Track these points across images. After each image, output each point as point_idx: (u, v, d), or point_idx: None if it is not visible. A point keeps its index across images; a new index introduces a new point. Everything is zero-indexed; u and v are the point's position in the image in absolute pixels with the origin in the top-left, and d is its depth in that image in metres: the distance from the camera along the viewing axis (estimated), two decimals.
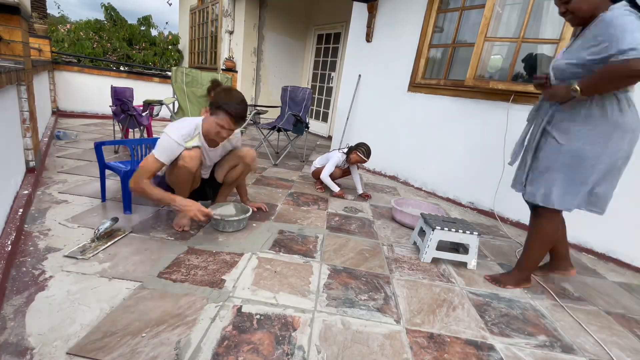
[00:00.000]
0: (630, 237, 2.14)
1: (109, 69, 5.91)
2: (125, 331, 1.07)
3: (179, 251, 1.61)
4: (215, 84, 3.11)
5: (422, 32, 3.24)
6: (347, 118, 4.13)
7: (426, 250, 1.84)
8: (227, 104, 1.62)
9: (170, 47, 9.43)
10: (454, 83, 3.03)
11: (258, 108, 4.10)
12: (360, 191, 2.90)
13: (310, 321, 1.24)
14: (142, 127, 3.60)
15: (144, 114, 3.44)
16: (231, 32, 6.45)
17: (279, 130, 3.88)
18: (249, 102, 6.29)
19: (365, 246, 1.95)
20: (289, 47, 6.80)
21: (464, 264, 1.86)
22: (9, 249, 1.30)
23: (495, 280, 1.71)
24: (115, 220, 1.68)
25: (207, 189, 2.03)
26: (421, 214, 2.01)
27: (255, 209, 2.17)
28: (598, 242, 2.27)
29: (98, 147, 1.99)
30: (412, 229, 2.31)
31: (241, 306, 1.27)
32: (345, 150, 2.85)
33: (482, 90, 2.77)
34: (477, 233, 1.80)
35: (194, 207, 1.63)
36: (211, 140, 1.77)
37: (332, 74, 6.07)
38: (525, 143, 1.61)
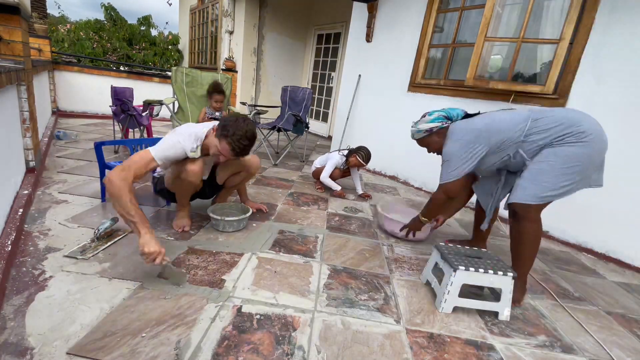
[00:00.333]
0: (630, 237, 2.14)
1: (109, 69, 5.92)
2: (125, 331, 1.07)
3: (179, 251, 1.61)
4: (216, 86, 3.12)
5: (422, 32, 3.24)
6: (347, 118, 4.13)
7: (445, 298, 1.40)
8: (233, 137, 1.51)
9: (170, 47, 9.44)
10: (454, 83, 3.03)
11: (258, 108, 4.10)
12: (360, 191, 2.91)
13: (310, 321, 1.24)
14: (142, 127, 3.60)
15: (144, 114, 3.44)
16: (231, 32, 6.45)
17: (279, 130, 3.88)
18: (249, 102, 6.31)
19: (365, 246, 1.95)
20: (289, 47, 6.80)
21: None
22: (9, 249, 1.30)
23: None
24: (115, 220, 1.68)
25: (206, 189, 2.03)
26: (435, 246, 1.58)
27: (255, 210, 2.17)
28: (598, 242, 2.27)
29: (98, 147, 1.99)
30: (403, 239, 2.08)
31: (241, 306, 1.27)
32: (345, 152, 2.85)
33: (482, 90, 2.77)
34: (512, 274, 1.38)
35: (156, 253, 1.26)
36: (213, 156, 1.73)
37: (332, 74, 6.07)
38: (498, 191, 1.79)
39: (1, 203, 1.48)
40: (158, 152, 1.49)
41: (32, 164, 2.18)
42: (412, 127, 1.78)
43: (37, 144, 2.34)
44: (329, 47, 6.16)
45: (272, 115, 5.12)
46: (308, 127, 4.02)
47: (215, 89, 3.08)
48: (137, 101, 3.68)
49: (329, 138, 5.95)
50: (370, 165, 3.92)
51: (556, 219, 2.37)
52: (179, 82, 3.28)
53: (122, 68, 7.02)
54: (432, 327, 1.31)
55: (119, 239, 1.63)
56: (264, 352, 1.06)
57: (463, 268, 1.37)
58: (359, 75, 3.97)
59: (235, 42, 6.40)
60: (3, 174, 1.55)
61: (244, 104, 4.64)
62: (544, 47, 2.51)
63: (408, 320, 1.33)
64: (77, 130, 4.16)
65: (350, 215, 2.43)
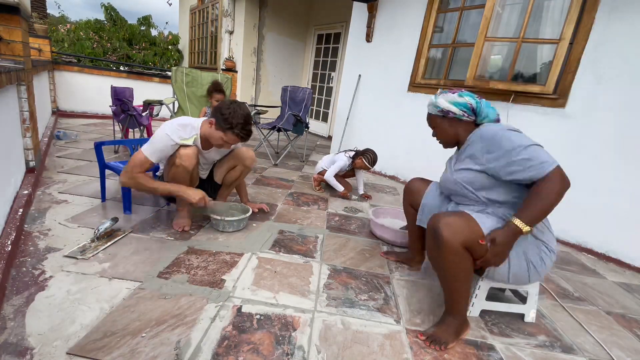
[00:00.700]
0: (630, 237, 2.14)
1: (109, 69, 5.92)
2: (125, 331, 1.07)
3: (179, 251, 1.61)
4: (216, 86, 3.12)
5: (422, 32, 3.24)
6: (347, 118, 4.13)
7: (472, 301, 1.39)
8: (237, 127, 1.60)
9: (170, 47, 9.44)
10: (454, 83, 3.03)
11: (258, 108, 4.10)
12: (361, 191, 2.91)
13: (310, 321, 1.24)
14: (142, 127, 3.60)
15: (144, 114, 3.45)
16: (231, 32, 6.45)
17: (279, 130, 3.88)
18: (249, 102, 6.31)
19: (365, 246, 1.95)
20: (289, 47, 6.80)
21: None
22: (9, 249, 1.30)
23: (433, 339, 1.21)
24: (115, 220, 1.68)
25: (206, 189, 2.03)
26: None
27: (256, 210, 2.17)
28: (598, 242, 2.27)
29: (98, 147, 1.99)
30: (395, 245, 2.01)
31: (241, 306, 1.27)
32: (352, 154, 2.85)
33: (482, 90, 2.77)
34: None
35: (200, 199, 1.69)
36: (206, 142, 1.76)
37: (332, 74, 6.07)
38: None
39: (1, 203, 1.48)
40: (148, 149, 1.58)
41: (32, 164, 2.18)
42: (434, 97, 1.39)
43: (37, 144, 2.34)
44: (329, 47, 6.17)
45: (272, 115, 5.12)
46: (308, 127, 4.02)
47: (216, 88, 3.09)
48: (137, 101, 3.68)
49: (329, 138, 5.95)
50: None
51: (556, 219, 2.36)
52: (179, 82, 3.28)
53: (122, 68, 7.02)
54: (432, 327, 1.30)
55: (119, 239, 1.63)
56: (264, 352, 1.06)
57: None
58: (359, 75, 3.97)
59: (235, 42, 6.40)
60: (3, 174, 1.55)
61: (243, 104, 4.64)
62: (544, 47, 2.51)
63: (408, 320, 1.33)
64: (77, 130, 4.16)
65: (350, 215, 2.43)
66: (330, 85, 6.15)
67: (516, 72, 2.64)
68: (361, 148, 2.87)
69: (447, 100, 1.32)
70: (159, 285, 1.33)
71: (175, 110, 3.31)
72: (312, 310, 1.30)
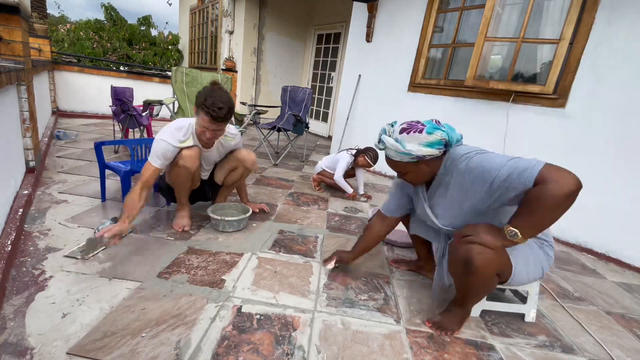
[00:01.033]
0: (630, 237, 2.14)
1: (109, 69, 5.91)
2: (125, 331, 1.07)
3: (179, 251, 1.61)
4: (214, 85, 3.11)
5: (422, 32, 3.24)
6: (347, 118, 4.13)
7: None
8: (205, 103, 1.53)
9: (170, 47, 9.43)
10: (454, 83, 3.03)
11: (258, 108, 4.10)
12: (361, 191, 2.91)
13: (310, 321, 1.24)
14: (142, 127, 3.59)
15: (144, 114, 3.44)
16: (231, 32, 6.44)
17: (279, 130, 3.88)
18: (249, 102, 6.31)
19: None
20: (289, 47, 6.79)
21: None
22: (9, 249, 1.30)
23: (439, 326, 1.29)
24: (115, 220, 1.67)
25: (206, 190, 2.03)
26: None
27: (256, 210, 2.17)
28: (598, 242, 2.27)
29: (98, 147, 1.99)
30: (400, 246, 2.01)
31: (241, 306, 1.27)
32: (354, 152, 2.85)
33: (482, 90, 2.77)
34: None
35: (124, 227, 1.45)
36: (200, 139, 1.74)
37: (332, 74, 6.07)
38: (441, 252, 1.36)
39: (1, 203, 1.48)
40: (153, 157, 1.61)
41: (32, 164, 2.18)
42: (391, 139, 1.19)
43: (37, 144, 2.34)
44: (329, 47, 6.16)
45: (272, 115, 5.12)
46: (308, 127, 4.02)
47: None
48: (137, 101, 3.68)
49: (329, 138, 5.95)
50: None
51: None
52: (179, 82, 3.28)
53: (122, 68, 7.01)
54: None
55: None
56: (264, 352, 1.06)
57: None
58: (359, 75, 3.97)
59: (235, 42, 6.40)
60: (3, 174, 1.55)
61: (244, 103, 4.64)
62: (544, 47, 2.51)
63: (408, 320, 1.33)
64: (77, 130, 4.16)
65: (350, 215, 2.43)
66: (330, 85, 6.14)
67: (516, 72, 2.63)
68: (362, 147, 2.87)
69: (419, 144, 1.14)
70: (159, 285, 1.33)
71: (175, 110, 3.31)
72: (312, 310, 1.30)
